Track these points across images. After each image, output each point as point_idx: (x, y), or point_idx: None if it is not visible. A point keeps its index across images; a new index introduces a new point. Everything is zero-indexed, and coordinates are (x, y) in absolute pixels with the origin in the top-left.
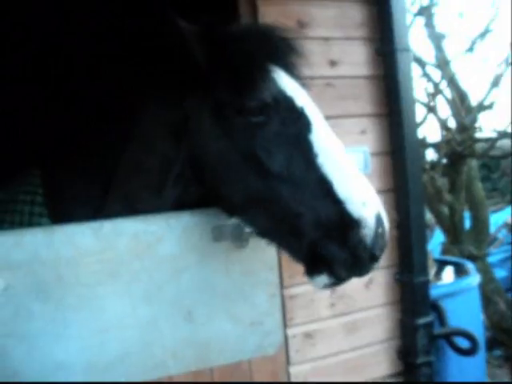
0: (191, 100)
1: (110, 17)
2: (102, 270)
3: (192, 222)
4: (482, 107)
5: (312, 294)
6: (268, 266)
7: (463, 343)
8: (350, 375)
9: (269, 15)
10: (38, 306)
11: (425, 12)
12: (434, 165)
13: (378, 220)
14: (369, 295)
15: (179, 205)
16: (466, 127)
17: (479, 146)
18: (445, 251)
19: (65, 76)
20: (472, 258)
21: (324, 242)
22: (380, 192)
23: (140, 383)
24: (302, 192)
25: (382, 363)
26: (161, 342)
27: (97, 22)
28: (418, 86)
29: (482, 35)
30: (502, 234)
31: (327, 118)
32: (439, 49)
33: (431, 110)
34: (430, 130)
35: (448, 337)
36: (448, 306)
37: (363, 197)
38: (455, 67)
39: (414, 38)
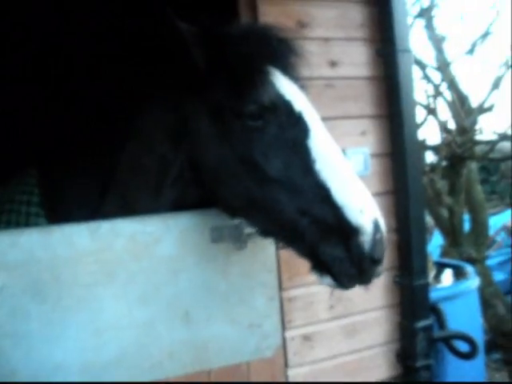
0: (190, 102)
1: (110, 17)
2: (99, 271)
3: (190, 223)
4: (482, 109)
5: (311, 297)
6: (267, 267)
7: (463, 347)
8: (348, 378)
9: (269, 15)
10: (34, 306)
11: (425, 14)
12: (433, 167)
13: (376, 226)
14: (368, 298)
15: (178, 206)
16: (465, 129)
17: (479, 149)
18: (444, 254)
19: (63, 76)
20: (471, 260)
21: (323, 248)
22: (380, 194)
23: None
24: (299, 198)
25: (381, 366)
26: (158, 343)
27: (96, 23)
28: (418, 88)
29: (483, 37)
30: (501, 237)
31: (327, 118)
32: (439, 51)
33: (431, 112)
34: (429, 133)
35: (447, 340)
36: (447, 309)
37: (361, 203)
38: (455, 69)
39: (415, 40)
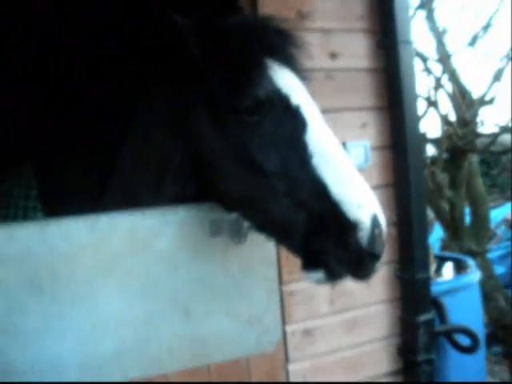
0: (188, 95)
1: (108, 12)
2: (97, 265)
3: (189, 216)
4: (482, 102)
5: (311, 291)
6: (267, 261)
7: (464, 341)
8: (349, 373)
9: (269, 6)
10: (31, 301)
11: (426, 5)
12: (434, 160)
13: (375, 221)
14: (369, 292)
15: (179, 199)
16: (466, 122)
17: (480, 142)
18: (444, 247)
19: (62, 70)
20: (472, 254)
21: (320, 242)
22: (380, 187)
23: (135, 383)
24: (296, 193)
25: (382, 361)
26: (157, 338)
27: (94, 18)
28: (419, 81)
29: (484, 29)
30: (501, 231)
31: (327, 110)
32: (440, 43)
33: (432, 104)
34: (430, 125)
35: (449, 334)
36: (448, 303)
37: (359, 198)
38: (456, 61)
39: (415, 32)
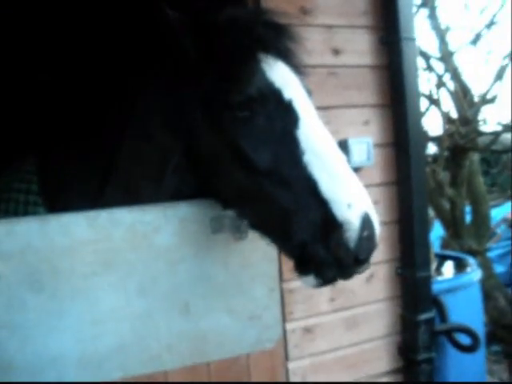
0: (183, 91)
1: (101, 6)
2: (97, 261)
3: (190, 212)
4: (484, 100)
5: (312, 289)
6: (267, 258)
7: (464, 339)
8: (349, 371)
9: (271, 1)
10: (31, 296)
11: (428, 3)
12: (435, 158)
13: (365, 222)
14: (369, 290)
15: (179, 195)
16: (468, 120)
17: (481, 140)
18: (444, 245)
19: (61, 64)
20: (472, 252)
21: (312, 243)
22: (382, 184)
23: (134, 382)
24: (287, 190)
25: (382, 359)
26: (156, 335)
27: (87, 12)
28: (422, 78)
29: (487, 28)
30: (501, 230)
31: (330, 107)
32: (443, 41)
33: (434, 102)
34: (431, 124)
35: (449, 333)
36: (449, 302)
37: (349, 198)
38: (459, 60)
39: (418, 29)
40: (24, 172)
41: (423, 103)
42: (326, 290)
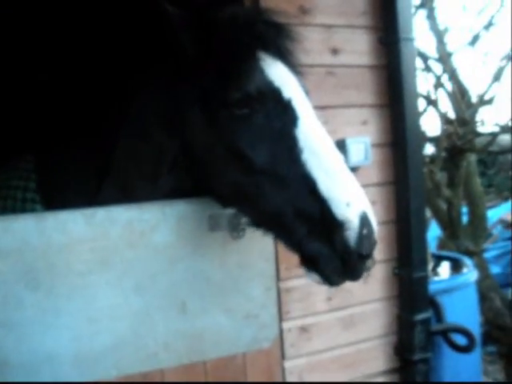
0: (180, 88)
1: (100, 3)
2: (94, 259)
3: (187, 210)
4: (482, 101)
5: (309, 288)
6: (264, 257)
7: (460, 340)
8: (345, 370)
9: (271, 1)
10: (27, 294)
11: (427, 4)
12: (433, 159)
13: (363, 220)
14: (366, 290)
15: (176, 193)
16: (466, 121)
17: (478, 141)
18: (441, 246)
19: (58, 63)
20: (469, 253)
21: (309, 242)
22: (380, 184)
23: (131, 382)
24: (286, 189)
25: (378, 359)
26: (153, 333)
27: (85, 11)
28: (419, 79)
29: (485, 29)
30: (497, 231)
31: (328, 107)
32: (441, 42)
33: (432, 103)
34: (428, 124)
35: (445, 333)
36: (445, 302)
37: (348, 197)
38: (456, 61)
39: (416, 30)
40: (22, 170)
41: (421, 104)
42: (323, 290)
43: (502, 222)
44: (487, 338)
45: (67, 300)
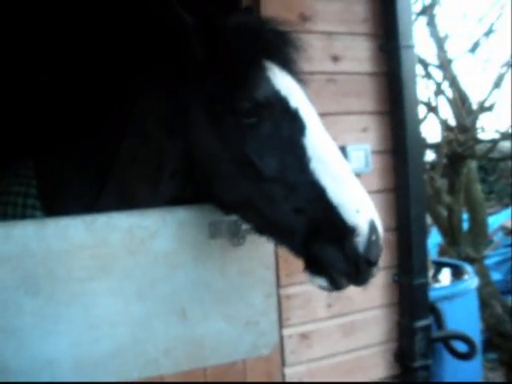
0: (186, 93)
1: (110, 6)
2: (95, 265)
3: (188, 217)
4: (482, 108)
5: (309, 294)
6: (265, 264)
7: (461, 347)
8: (346, 377)
9: (271, 8)
10: (27, 300)
11: (427, 11)
12: (433, 165)
13: (372, 227)
14: (367, 296)
15: (177, 199)
16: (466, 128)
17: (478, 148)
18: (442, 253)
19: (60, 66)
20: (469, 260)
21: (319, 247)
22: (380, 191)
23: (131, 383)
24: (294, 197)
25: (378, 366)
26: (153, 339)
27: (95, 13)
28: (420, 86)
29: (485, 36)
30: (498, 237)
31: (328, 114)
32: (441, 49)
33: (432, 110)
34: (429, 131)
35: (445, 340)
36: (445, 309)
37: (357, 203)
38: (457, 68)
39: (417, 37)
40: (22, 176)
41: (421, 110)
42: (323, 296)
43: (503, 228)
44: (488, 345)
45: (67, 306)
